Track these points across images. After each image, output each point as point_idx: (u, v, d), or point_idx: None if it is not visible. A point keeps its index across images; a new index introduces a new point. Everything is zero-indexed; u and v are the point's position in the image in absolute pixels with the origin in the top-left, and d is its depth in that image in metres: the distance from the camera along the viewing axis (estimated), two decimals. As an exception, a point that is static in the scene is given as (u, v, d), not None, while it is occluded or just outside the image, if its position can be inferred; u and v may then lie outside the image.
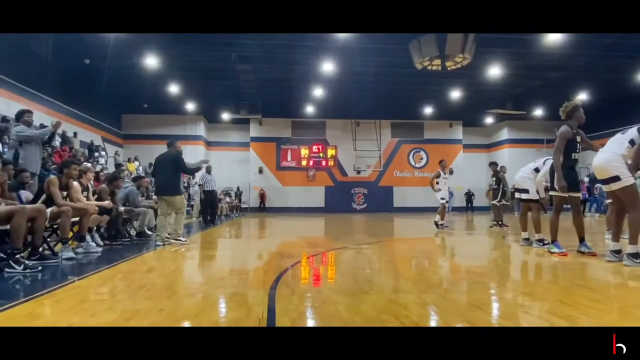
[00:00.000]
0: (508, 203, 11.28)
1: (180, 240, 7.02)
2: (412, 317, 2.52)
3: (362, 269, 4.58)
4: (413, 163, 28.03)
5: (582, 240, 5.30)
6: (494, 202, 11.02)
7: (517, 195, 6.96)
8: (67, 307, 2.81)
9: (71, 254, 5.06)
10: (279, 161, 27.52)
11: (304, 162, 27.46)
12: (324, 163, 27.58)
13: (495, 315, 2.64)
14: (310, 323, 2.46)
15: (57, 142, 13.95)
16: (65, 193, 5.57)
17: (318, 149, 27.60)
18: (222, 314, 2.70)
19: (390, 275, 4.25)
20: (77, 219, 5.54)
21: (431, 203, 10.92)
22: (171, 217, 7.18)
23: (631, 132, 4.52)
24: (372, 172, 27.74)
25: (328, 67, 17.51)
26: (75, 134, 16.65)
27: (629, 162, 4.45)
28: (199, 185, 13.78)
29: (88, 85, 18.11)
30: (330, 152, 27.63)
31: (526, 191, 6.67)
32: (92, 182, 7.09)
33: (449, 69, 15.31)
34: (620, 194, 4.50)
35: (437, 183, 10.80)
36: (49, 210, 5.01)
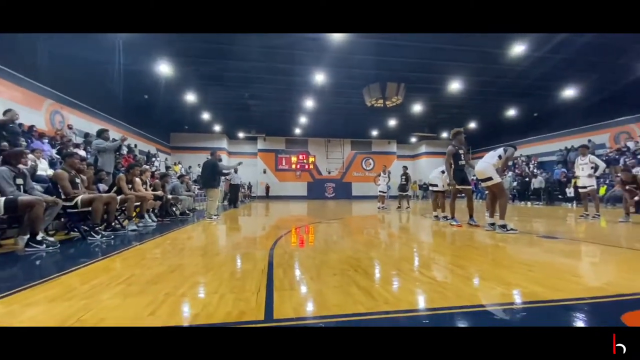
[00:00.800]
0: (408, 193, 11.13)
1: (212, 218, 6.88)
2: (362, 266, 2.52)
3: (331, 236, 4.54)
4: (364, 167, 28.07)
5: (471, 216, 5.37)
6: (402, 192, 10.84)
7: (482, 185, 6.04)
8: (132, 263, 2.72)
9: (134, 227, 4.90)
10: (277, 165, 27.32)
11: (293, 166, 27.32)
12: (306, 167, 27.49)
13: (416, 266, 2.57)
14: (297, 271, 2.39)
15: (124, 150, 13.48)
16: (130, 186, 5.40)
17: (303, 157, 27.48)
18: (238, 266, 2.63)
19: (348, 240, 4.22)
20: (138, 203, 5.37)
21: (376, 193, 10.98)
22: (212, 202, 7.05)
23: (499, 150, 4.76)
24: (338, 173, 27.68)
25: (310, 103, 17.45)
26: (135, 145, 16.15)
27: (498, 168, 4.68)
28: (227, 179, 13.52)
29: (146, 112, 17.56)
30: (311, 159, 27.55)
31: (490, 179, 5.92)
32: (149, 178, 6.87)
33: (388, 106, 15.42)
34: (493, 188, 4.71)
35: (378, 180, 10.86)
36: (119, 197, 4.86)
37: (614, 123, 15.73)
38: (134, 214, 5.46)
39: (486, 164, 4.69)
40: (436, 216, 6.62)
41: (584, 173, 6.90)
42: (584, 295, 1.80)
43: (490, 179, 4.63)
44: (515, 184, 17.99)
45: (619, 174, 7.45)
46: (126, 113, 15.95)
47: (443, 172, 6.71)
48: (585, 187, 6.92)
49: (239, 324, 1.48)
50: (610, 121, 15.87)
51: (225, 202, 14.56)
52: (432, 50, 11.59)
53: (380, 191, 10.78)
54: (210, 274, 2.36)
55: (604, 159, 13.36)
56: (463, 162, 5.46)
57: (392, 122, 22.19)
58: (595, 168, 6.83)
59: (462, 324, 1.45)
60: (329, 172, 27.36)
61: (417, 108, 18.44)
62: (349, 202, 19.94)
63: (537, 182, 16.29)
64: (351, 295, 1.80)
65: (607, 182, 11.25)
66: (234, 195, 12.60)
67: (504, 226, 4.47)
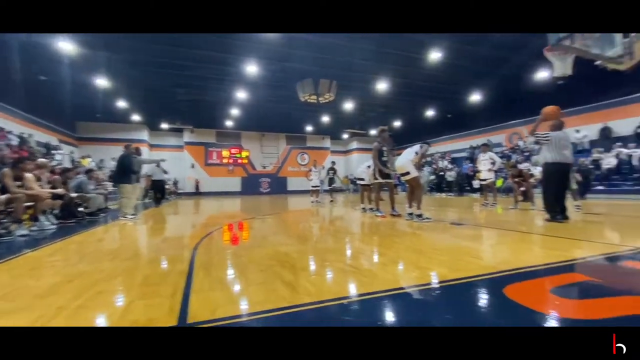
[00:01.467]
0: (337, 186, 11.49)
1: (128, 217, 6.16)
2: (290, 261, 2.49)
3: (261, 232, 4.39)
4: (300, 162, 28.03)
5: (393, 207, 5.82)
6: (330, 186, 11.14)
7: (402, 178, 6.31)
8: (18, 274, 2.26)
9: (25, 232, 4.11)
10: (207, 159, 25.71)
11: (225, 160, 26.02)
12: (240, 161, 26.45)
13: (341, 256, 2.61)
14: (221, 271, 2.26)
15: (14, 142, 11.24)
16: (19, 183, 4.50)
17: (236, 151, 26.37)
18: (154, 270, 2.34)
19: (280, 234, 4.12)
20: (31, 203, 4.52)
21: (309, 187, 11.19)
22: (126, 200, 6.25)
23: (416, 147, 5.15)
24: (273, 167, 27.18)
25: (243, 95, 16.73)
26: (30, 135, 13.52)
27: (415, 164, 5.06)
28: (148, 175, 12.26)
29: (44, 96, 14.82)
30: (245, 153, 26.58)
31: (408, 173, 6.26)
32: (47, 173, 5.84)
33: (320, 102, 15.64)
34: (411, 181, 5.06)
35: (310, 175, 10.93)
36: (3, 197, 4.01)
37: (508, 125, 18.57)
38: (26, 216, 4.59)
39: (405, 160, 5.02)
40: (363, 208, 6.89)
41: (484, 168, 8.01)
42: (478, 273, 2.06)
43: (408, 173, 4.96)
44: (432, 177, 19.99)
45: (509, 169, 8.85)
46: (17, 96, 13.24)
47: (369, 166, 6.90)
48: (485, 180, 7.94)
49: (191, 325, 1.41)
50: (505, 123, 18.69)
51: (147, 200, 13.27)
52: (361, 50, 12.07)
53: (312, 186, 10.96)
54: (118, 280, 2.13)
55: (500, 156, 15.72)
56: (386, 158, 5.79)
57: (325, 119, 22.58)
58: (494, 163, 7.96)
59: (382, 307, 1.53)
60: (264, 167, 26.69)
61: (348, 105, 19.04)
62: (285, 197, 19.79)
63: (450, 176, 18.33)
64: (275, 291, 1.78)
65: (503, 175, 13.24)
66: (160, 193, 11.53)
67: (420, 215, 4.92)
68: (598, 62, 5.36)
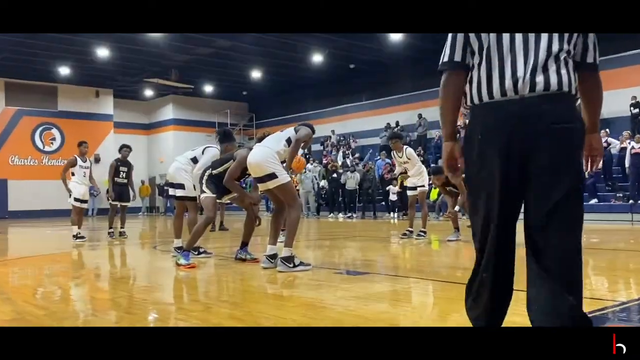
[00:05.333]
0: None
1: None
2: None
3: None
4: (41, 145, 25.91)
5: (242, 244, 6.33)
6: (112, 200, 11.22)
7: (171, 192, 7.21)
8: None
9: None
10: None
11: None
12: None
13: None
14: None
15: None
16: None
17: None
18: None
19: None
20: None
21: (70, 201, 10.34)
22: None
23: (289, 131, 5.62)
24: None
25: None
26: None
27: (282, 160, 5.52)
28: None
29: None
30: None
31: (181, 186, 6.90)
32: None
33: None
34: (277, 191, 5.45)
35: (73, 175, 10.46)
36: None
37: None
38: None
39: (268, 151, 5.45)
40: (179, 247, 7.08)
41: (410, 169, 8.95)
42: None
43: (271, 176, 5.34)
44: (322, 184, 20.97)
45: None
46: None
47: (194, 160, 7.10)
48: (414, 189, 9.01)
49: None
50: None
51: None
52: None
53: (76, 199, 10.18)
54: None
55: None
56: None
57: (102, 53, 21.29)
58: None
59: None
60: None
61: (155, 37, 18.35)
62: (2, 225, 18.43)
63: (352, 181, 19.54)
64: None
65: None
66: None
67: (290, 259, 5.28)
68: None
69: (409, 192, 9.25)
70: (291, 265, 5.21)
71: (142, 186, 26.89)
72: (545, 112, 1.96)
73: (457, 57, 2.14)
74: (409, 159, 8.94)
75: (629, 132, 15.13)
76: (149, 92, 28.64)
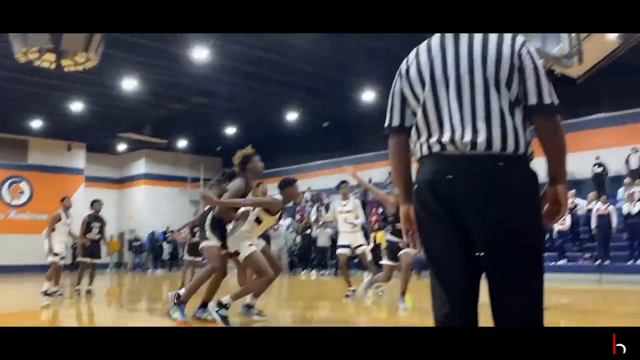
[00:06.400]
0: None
1: None
2: None
3: None
4: (8, 198, 25.44)
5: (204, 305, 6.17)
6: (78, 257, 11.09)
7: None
8: None
9: None
10: None
11: None
12: None
13: None
14: None
15: None
16: None
17: None
18: None
19: None
20: None
21: (40, 259, 10.05)
22: None
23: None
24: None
25: None
26: None
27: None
28: None
29: None
30: None
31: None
32: None
33: (65, 69, 14.39)
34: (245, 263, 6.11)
35: (53, 230, 10.15)
36: None
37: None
38: None
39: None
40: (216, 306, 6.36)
41: (344, 227, 8.96)
42: None
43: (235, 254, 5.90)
44: (295, 235, 21.03)
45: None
46: None
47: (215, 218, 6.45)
48: (355, 247, 8.95)
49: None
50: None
51: None
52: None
53: (55, 254, 9.82)
54: None
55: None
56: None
57: (76, 107, 21.22)
58: (358, 218, 8.94)
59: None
60: None
61: (129, 84, 18.56)
62: None
63: (323, 237, 19.41)
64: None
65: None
66: None
67: (221, 305, 5.69)
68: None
69: (340, 251, 9.05)
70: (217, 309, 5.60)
71: (111, 241, 26.37)
72: (486, 172, 1.89)
73: (395, 122, 2.19)
74: (349, 211, 8.82)
75: (595, 193, 15.54)
76: (122, 146, 28.45)
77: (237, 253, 5.84)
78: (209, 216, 6.07)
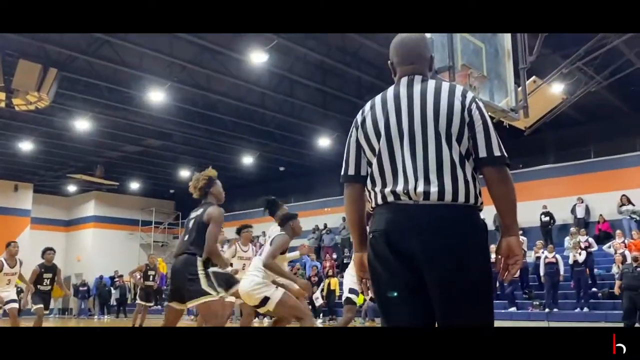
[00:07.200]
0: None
1: None
2: None
3: None
4: None
5: None
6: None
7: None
8: None
9: None
10: None
11: None
12: None
13: None
14: None
15: None
16: None
17: None
18: None
19: None
20: None
21: None
22: None
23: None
24: None
25: None
26: None
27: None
28: None
29: None
30: None
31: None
32: None
33: (16, 108, 14.19)
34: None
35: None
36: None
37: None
38: None
39: (254, 275, 5.53)
40: None
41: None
42: None
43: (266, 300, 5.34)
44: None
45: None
46: None
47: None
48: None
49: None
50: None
51: None
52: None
53: (6, 303, 9.51)
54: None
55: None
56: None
57: (25, 147, 20.66)
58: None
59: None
60: None
61: (81, 125, 18.24)
62: None
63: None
64: None
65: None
66: None
67: None
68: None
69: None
70: None
71: (56, 286, 25.40)
72: (438, 220, 1.93)
73: (351, 171, 2.25)
74: (249, 258, 8.05)
75: (542, 241, 15.97)
76: (71, 188, 27.75)
77: (264, 301, 5.30)
78: (199, 262, 4.85)
